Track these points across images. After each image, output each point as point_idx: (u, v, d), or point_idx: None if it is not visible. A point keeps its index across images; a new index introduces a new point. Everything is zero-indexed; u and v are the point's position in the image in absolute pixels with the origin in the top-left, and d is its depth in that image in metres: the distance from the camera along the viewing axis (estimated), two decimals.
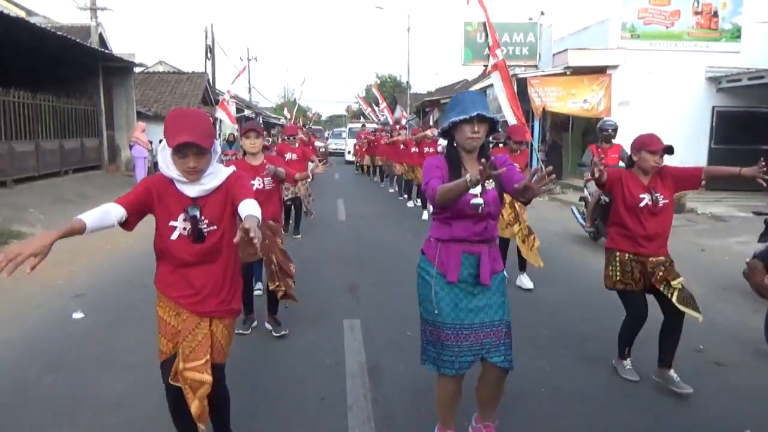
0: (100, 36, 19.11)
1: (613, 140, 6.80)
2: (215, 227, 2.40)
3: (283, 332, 4.52)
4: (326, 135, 34.38)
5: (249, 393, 3.48)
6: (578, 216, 8.76)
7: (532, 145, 15.74)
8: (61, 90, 14.56)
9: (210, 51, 25.93)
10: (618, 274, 3.67)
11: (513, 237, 5.96)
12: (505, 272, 2.82)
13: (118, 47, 19.88)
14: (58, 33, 12.53)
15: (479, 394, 2.81)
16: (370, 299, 5.54)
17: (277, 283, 4.42)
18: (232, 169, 2.49)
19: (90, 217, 2.16)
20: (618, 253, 3.68)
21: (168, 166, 2.33)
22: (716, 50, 14.63)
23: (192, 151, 2.25)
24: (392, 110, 37.07)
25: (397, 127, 16.68)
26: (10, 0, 19.11)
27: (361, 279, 6.27)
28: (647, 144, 3.56)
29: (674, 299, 3.46)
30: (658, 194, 3.57)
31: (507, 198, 5.80)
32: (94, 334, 4.57)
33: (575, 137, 17.48)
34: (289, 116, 33.92)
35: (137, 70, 20.49)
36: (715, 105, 14.58)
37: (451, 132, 2.61)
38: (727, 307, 5.40)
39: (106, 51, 17.03)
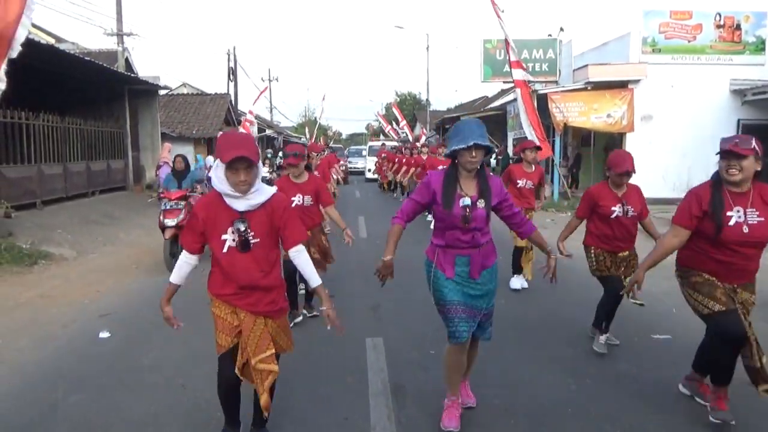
0: (126, 60, 19.59)
1: None
2: (258, 240, 2.78)
3: (315, 313, 5.19)
4: (345, 153, 34.34)
5: (272, 411, 3.47)
6: None
7: (553, 161, 15.67)
8: (89, 113, 14.94)
9: (232, 73, 26.45)
10: (594, 263, 4.48)
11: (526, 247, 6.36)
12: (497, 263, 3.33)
13: (143, 71, 20.38)
14: (86, 58, 12.90)
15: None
16: (392, 318, 5.51)
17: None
18: (274, 189, 2.86)
19: (179, 277, 2.89)
20: (593, 248, 4.49)
21: (221, 182, 2.68)
22: (740, 63, 14.45)
23: (242, 166, 2.60)
24: (412, 128, 37.27)
25: (418, 144, 16.68)
26: (41, 28, 19.75)
27: (384, 297, 6.23)
28: (615, 165, 4.25)
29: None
30: (629, 206, 4.27)
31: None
32: (121, 354, 4.62)
33: (597, 152, 17.31)
34: (309, 135, 34.27)
35: (162, 92, 20.99)
36: (741, 118, 14.35)
37: (453, 155, 3.12)
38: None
39: (132, 75, 17.44)
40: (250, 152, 2.60)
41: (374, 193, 21.50)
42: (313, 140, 27.13)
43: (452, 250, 3.16)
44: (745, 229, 3.03)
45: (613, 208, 4.30)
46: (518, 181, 6.27)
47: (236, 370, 2.83)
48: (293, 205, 4.84)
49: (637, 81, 14.43)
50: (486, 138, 3.04)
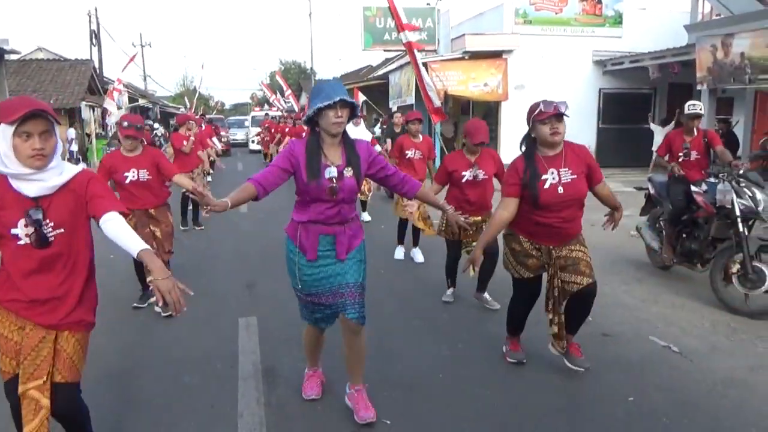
0: None
1: None
2: (62, 230, 2.18)
3: (170, 312, 4.44)
4: (225, 124, 32.60)
5: (129, 407, 3.20)
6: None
7: (435, 131, 16.00)
8: None
9: (95, 36, 24.17)
10: (443, 224, 4.77)
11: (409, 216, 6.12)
12: (363, 243, 3.07)
13: None
14: None
15: (346, 357, 3.11)
16: (269, 295, 5.31)
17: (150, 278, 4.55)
18: (80, 167, 2.28)
19: None
20: None
21: (4, 159, 2.04)
22: (601, 35, 15.44)
23: (38, 130, 2.04)
24: (297, 97, 36.45)
25: (302, 114, 16.22)
26: None
27: (261, 275, 6.01)
28: (470, 134, 4.53)
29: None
30: (480, 170, 4.55)
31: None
32: None
33: None
34: (189, 105, 32.38)
35: (12, 57, 18.72)
36: (602, 87, 15.43)
37: (314, 119, 2.80)
38: (614, 278, 5.68)
39: None
40: (47, 109, 2.08)
41: (258, 165, 20.77)
42: (192, 110, 25.61)
43: (316, 227, 2.87)
44: (560, 190, 3.21)
45: (463, 173, 4.53)
46: (407, 152, 6.30)
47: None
48: (127, 181, 4.40)
49: (510, 51, 14.97)
50: (350, 96, 2.79)
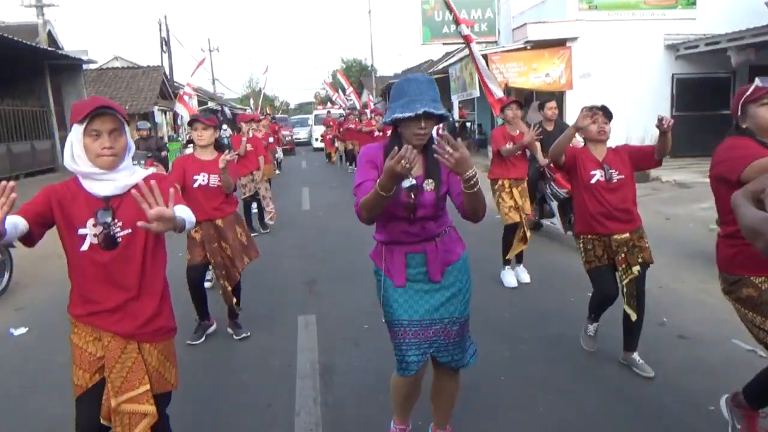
0: (49, 34, 18.40)
1: None
2: (130, 230, 2.11)
3: (244, 335, 4.35)
4: (289, 123, 33.40)
5: (187, 406, 3.26)
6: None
7: (497, 124, 15.64)
8: (6, 92, 13.94)
9: (165, 44, 25.24)
10: (583, 255, 3.53)
11: (520, 222, 5.23)
12: (465, 254, 2.52)
13: (71, 44, 19.23)
14: None
15: (432, 400, 2.75)
16: (328, 293, 5.33)
17: (224, 284, 4.24)
18: (151, 170, 2.28)
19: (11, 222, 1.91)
20: (582, 236, 3.54)
21: (77, 159, 2.05)
22: (673, 17, 14.61)
23: (107, 128, 2.03)
24: (359, 94, 36.72)
25: (367, 111, 16.35)
26: None
27: (321, 272, 6.05)
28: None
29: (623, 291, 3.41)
30: (612, 170, 3.41)
31: (506, 184, 5.28)
32: (35, 352, 4.30)
33: None
34: (254, 107, 33.27)
35: (92, 66, 19.87)
36: (675, 72, 14.59)
37: (394, 124, 2.33)
38: (691, 276, 5.32)
39: (50, 49, 16.32)
40: (116, 107, 2.07)
41: (321, 163, 21.09)
42: (258, 111, 26.30)
43: (401, 248, 2.41)
44: None
45: (592, 172, 3.43)
46: (507, 146, 5.16)
47: (101, 418, 2.11)
48: (196, 185, 4.12)
49: (574, 39, 14.42)
50: (439, 101, 2.25)
